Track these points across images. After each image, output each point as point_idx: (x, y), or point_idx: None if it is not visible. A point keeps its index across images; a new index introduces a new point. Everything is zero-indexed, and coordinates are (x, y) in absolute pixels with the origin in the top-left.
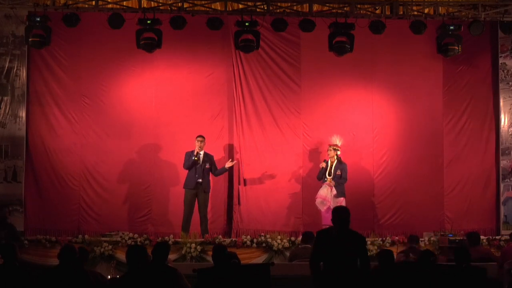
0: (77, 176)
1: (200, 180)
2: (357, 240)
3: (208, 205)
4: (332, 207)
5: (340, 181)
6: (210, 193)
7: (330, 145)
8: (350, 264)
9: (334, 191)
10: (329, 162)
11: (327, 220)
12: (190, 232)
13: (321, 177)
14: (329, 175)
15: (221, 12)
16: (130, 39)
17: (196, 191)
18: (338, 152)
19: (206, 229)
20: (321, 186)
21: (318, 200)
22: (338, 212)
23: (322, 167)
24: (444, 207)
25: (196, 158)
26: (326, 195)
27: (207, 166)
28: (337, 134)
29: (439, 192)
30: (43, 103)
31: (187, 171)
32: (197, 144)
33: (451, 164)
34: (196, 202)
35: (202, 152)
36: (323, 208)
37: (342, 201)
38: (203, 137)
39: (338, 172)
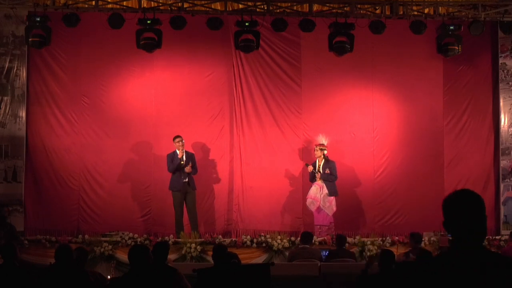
0: (76, 176)
1: (186, 180)
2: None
3: (196, 203)
4: (322, 206)
5: (330, 178)
6: (196, 191)
7: (316, 145)
8: None
9: (325, 190)
10: (317, 161)
11: (318, 221)
12: (189, 232)
13: (312, 179)
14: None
15: (221, 12)
16: (130, 39)
17: (185, 191)
18: (325, 152)
19: (195, 227)
20: (310, 187)
21: (308, 201)
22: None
23: (311, 171)
24: None
25: (182, 162)
26: (316, 195)
27: (190, 165)
28: (322, 134)
29: (439, 192)
30: (43, 103)
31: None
32: (178, 145)
33: (451, 164)
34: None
35: (184, 152)
36: (313, 208)
37: (332, 200)
38: (181, 137)
39: (327, 171)
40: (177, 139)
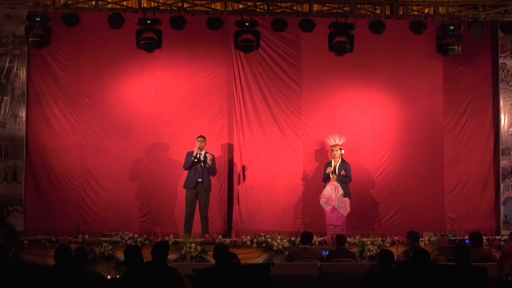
0: (76, 176)
1: (200, 180)
2: None
3: (209, 205)
4: (337, 207)
5: (345, 179)
6: (210, 193)
7: (334, 145)
8: None
9: (341, 191)
10: (332, 162)
11: (331, 220)
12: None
13: (326, 179)
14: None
15: (221, 12)
16: (130, 39)
17: (197, 190)
18: (343, 151)
19: (206, 229)
20: (324, 186)
21: (322, 200)
22: None
23: (329, 172)
24: (445, 207)
25: (195, 160)
26: (331, 195)
27: (209, 158)
28: (337, 134)
29: (439, 192)
30: (43, 103)
31: (187, 171)
32: (197, 144)
33: (451, 164)
34: (197, 202)
35: (203, 152)
36: (328, 208)
37: (347, 201)
38: (203, 137)
39: (343, 172)
40: (199, 138)
